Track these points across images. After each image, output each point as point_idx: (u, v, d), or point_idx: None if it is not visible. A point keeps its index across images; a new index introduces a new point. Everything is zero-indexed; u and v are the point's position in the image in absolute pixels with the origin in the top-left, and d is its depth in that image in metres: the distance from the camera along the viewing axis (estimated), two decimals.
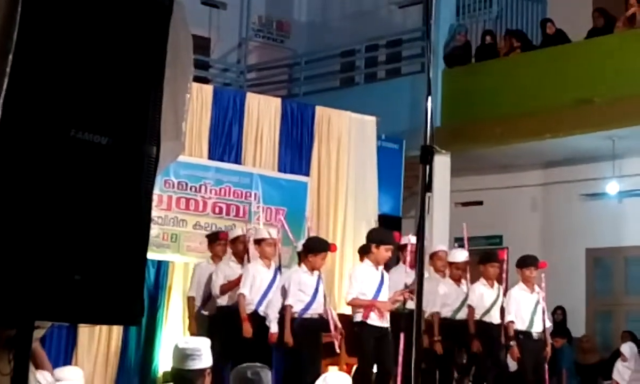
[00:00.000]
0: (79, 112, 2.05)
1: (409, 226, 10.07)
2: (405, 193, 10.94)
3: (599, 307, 10.73)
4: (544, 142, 10.95)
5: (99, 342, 8.39)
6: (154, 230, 8.42)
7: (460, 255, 8.68)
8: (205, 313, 8.24)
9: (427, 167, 3.69)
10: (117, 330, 8.28)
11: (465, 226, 8.89)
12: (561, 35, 11.36)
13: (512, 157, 11.65)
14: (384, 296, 7.51)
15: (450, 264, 8.65)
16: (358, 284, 7.41)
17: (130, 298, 2.27)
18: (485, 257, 8.53)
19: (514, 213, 12.28)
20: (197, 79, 10.51)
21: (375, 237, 7.55)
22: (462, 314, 8.44)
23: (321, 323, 7.62)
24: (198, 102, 9.19)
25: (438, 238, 9.72)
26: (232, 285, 7.99)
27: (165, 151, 2.19)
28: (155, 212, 8.50)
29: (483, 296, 8.29)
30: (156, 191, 8.30)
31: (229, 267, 8.11)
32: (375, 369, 7.47)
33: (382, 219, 9.92)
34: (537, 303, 8.15)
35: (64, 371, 4.91)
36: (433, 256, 8.78)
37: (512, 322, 8.05)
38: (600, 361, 10.67)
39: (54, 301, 2.05)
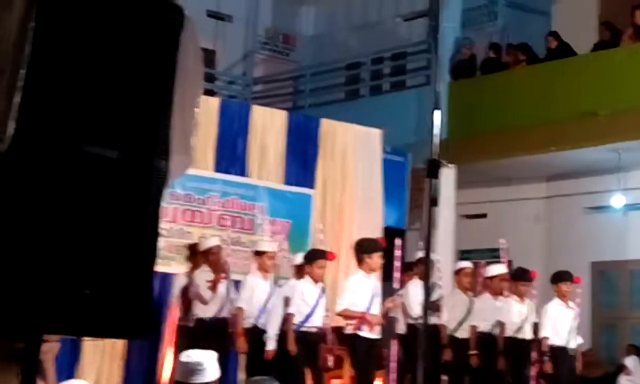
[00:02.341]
0: (90, 126, 2.06)
1: (413, 238, 10.07)
2: (409, 205, 10.93)
3: (603, 320, 10.72)
4: (548, 155, 10.96)
5: (102, 356, 8.36)
6: (160, 242, 8.38)
7: (499, 268, 8.69)
8: (185, 324, 8.05)
9: (435, 181, 3.70)
10: (121, 343, 8.27)
11: (504, 241, 8.96)
12: (566, 48, 11.37)
13: (517, 170, 11.65)
14: (376, 308, 7.49)
15: (491, 278, 8.62)
16: (350, 295, 7.41)
17: (137, 312, 2.25)
18: (518, 274, 8.51)
19: (518, 226, 12.26)
20: (203, 92, 10.52)
21: (367, 247, 7.54)
22: (497, 331, 8.41)
23: (318, 336, 7.62)
24: (204, 114, 9.16)
25: (443, 251, 9.72)
26: (216, 281, 7.87)
27: (174, 165, 2.20)
28: (160, 224, 8.46)
29: (514, 312, 8.27)
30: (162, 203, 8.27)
31: (207, 276, 7.96)
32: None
33: (387, 231, 9.91)
34: (573, 318, 8.15)
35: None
36: (459, 272, 8.78)
37: (546, 338, 8.02)
38: (605, 375, 10.64)
39: (61, 315, 2.05)
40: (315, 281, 7.61)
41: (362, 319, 7.33)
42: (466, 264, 8.95)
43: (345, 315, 7.44)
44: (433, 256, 8.81)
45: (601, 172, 11.28)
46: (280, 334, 7.60)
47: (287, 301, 7.61)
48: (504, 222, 12.43)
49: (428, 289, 4.38)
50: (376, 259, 7.44)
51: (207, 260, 8.12)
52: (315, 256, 7.74)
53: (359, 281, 7.49)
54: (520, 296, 8.38)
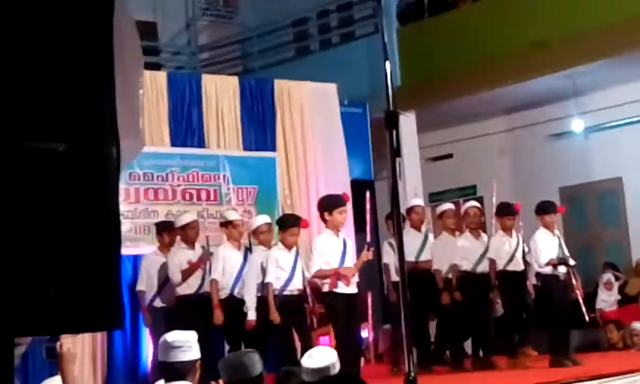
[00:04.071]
0: (30, 120, 1.98)
1: (382, 188, 10.03)
2: (374, 155, 10.89)
3: (578, 243, 10.82)
4: (505, 88, 10.94)
5: (83, 346, 8.24)
6: (125, 225, 8.30)
7: (470, 202, 8.77)
8: (159, 305, 8.10)
9: (394, 132, 3.64)
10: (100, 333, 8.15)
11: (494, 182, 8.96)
12: None
13: (476, 106, 11.65)
14: (349, 263, 7.44)
15: (465, 214, 8.66)
16: (320, 256, 7.34)
17: (107, 303, 2.21)
18: (502, 209, 8.54)
19: (484, 162, 12.32)
20: (149, 66, 10.30)
21: (327, 205, 7.47)
22: (482, 268, 8.42)
23: (302, 298, 7.58)
24: (153, 90, 9.02)
25: (413, 197, 9.70)
26: (193, 269, 7.87)
27: (124, 149, 2.14)
28: (123, 207, 8.37)
29: (503, 247, 8.34)
30: (122, 185, 8.15)
31: (182, 255, 7.94)
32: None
33: (355, 184, 9.86)
34: (559, 245, 8.29)
35: (53, 382, 4.78)
36: (442, 215, 8.79)
37: (551, 259, 8.11)
38: (584, 296, 10.82)
39: (30, 316, 2.02)
40: (288, 247, 7.53)
41: (336, 275, 7.26)
42: (448, 205, 8.94)
43: (319, 276, 7.37)
44: (420, 202, 8.93)
45: (559, 99, 11.34)
46: (261, 303, 7.54)
47: (262, 271, 7.56)
48: (469, 160, 12.49)
49: (401, 239, 4.31)
50: (337, 216, 7.37)
51: (185, 236, 8.03)
52: (288, 223, 7.67)
53: (325, 240, 7.43)
54: (507, 230, 8.41)
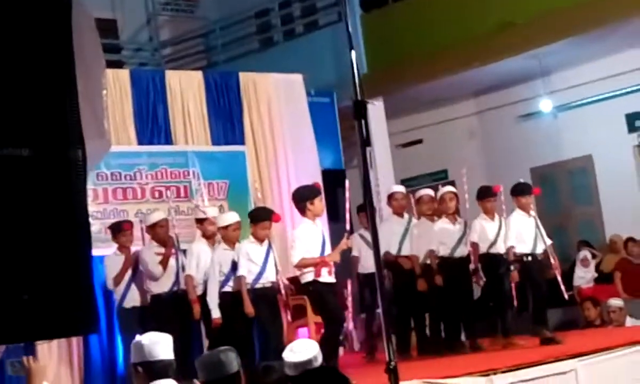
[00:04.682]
0: None
1: (353, 176, 9.95)
2: (344, 144, 10.85)
3: (551, 223, 10.84)
4: (472, 71, 10.94)
5: (59, 350, 8.11)
6: (95, 226, 8.16)
7: (445, 190, 8.66)
8: (129, 306, 7.95)
9: (363, 122, 3.59)
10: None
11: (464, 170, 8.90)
12: None
13: (444, 90, 11.65)
14: (329, 251, 7.40)
15: (439, 201, 8.59)
16: (302, 245, 7.28)
17: (82, 306, 2.20)
18: (481, 193, 8.51)
19: (454, 146, 12.33)
20: (110, 64, 10.13)
21: (306, 195, 7.41)
22: (460, 252, 8.37)
23: (274, 290, 7.56)
24: (116, 88, 8.89)
25: (385, 184, 9.67)
26: (167, 257, 7.80)
27: (90, 151, 2.09)
28: (92, 208, 8.23)
29: (485, 230, 8.32)
30: (90, 186, 8.01)
31: (154, 254, 7.84)
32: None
33: (326, 174, 9.80)
34: (536, 225, 8.30)
35: None
36: (418, 201, 8.76)
37: (512, 247, 8.18)
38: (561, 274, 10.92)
39: (5, 324, 2.02)
40: (260, 241, 7.46)
41: (321, 263, 7.20)
42: (425, 191, 8.91)
43: (303, 265, 7.29)
44: (400, 189, 8.87)
45: (526, 79, 11.37)
46: (233, 297, 7.48)
47: (234, 265, 7.49)
48: (440, 145, 12.49)
49: (375, 227, 4.25)
50: (318, 204, 7.37)
51: (155, 235, 7.95)
52: (260, 217, 7.61)
53: (306, 229, 7.37)
54: (488, 213, 8.40)
